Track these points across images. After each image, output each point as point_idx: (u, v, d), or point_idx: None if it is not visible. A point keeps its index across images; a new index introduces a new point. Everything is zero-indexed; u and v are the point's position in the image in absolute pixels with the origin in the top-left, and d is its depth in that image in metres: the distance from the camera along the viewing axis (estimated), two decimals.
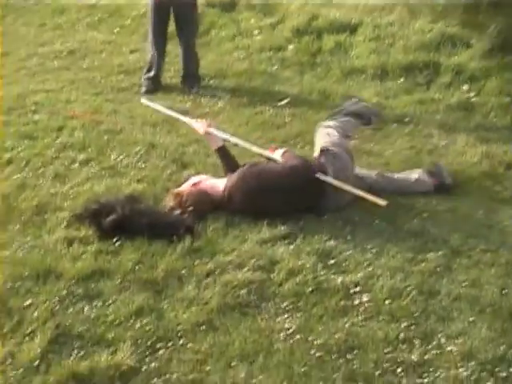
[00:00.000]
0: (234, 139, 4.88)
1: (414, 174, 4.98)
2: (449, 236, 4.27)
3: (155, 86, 6.78)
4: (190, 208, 4.36)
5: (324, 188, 4.54)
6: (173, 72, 7.31)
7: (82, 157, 5.28)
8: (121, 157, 5.25)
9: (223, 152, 4.78)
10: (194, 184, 4.56)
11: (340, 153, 4.73)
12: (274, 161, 4.70)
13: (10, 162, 5.25)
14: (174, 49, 7.36)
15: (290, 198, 4.48)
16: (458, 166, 5.33)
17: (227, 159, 4.76)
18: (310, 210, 4.51)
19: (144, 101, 5.62)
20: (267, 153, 4.80)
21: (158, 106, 5.44)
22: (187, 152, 5.39)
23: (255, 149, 4.86)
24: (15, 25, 9.32)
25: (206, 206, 4.45)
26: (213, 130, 4.82)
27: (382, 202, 4.42)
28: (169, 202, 4.47)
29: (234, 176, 4.52)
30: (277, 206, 4.47)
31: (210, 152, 5.15)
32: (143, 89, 6.77)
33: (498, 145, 5.68)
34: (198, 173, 4.86)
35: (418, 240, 4.25)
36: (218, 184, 4.57)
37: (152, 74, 6.83)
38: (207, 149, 5.22)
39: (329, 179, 4.51)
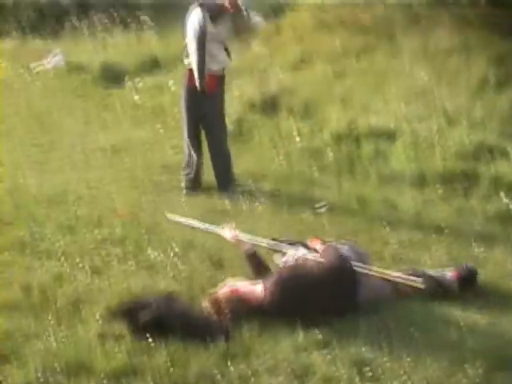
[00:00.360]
0: (261, 240, 4.93)
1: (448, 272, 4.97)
2: (487, 350, 4.18)
3: (194, 185, 6.87)
4: (227, 314, 4.34)
5: (358, 280, 4.52)
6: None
7: (119, 252, 5.33)
8: (158, 253, 5.28)
9: (254, 257, 4.80)
10: (232, 290, 4.52)
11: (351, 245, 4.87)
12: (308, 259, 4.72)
13: (48, 252, 5.32)
14: None
15: (327, 295, 4.44)
16: (497, 278, 5.26)
17: (258, 264, 4.77)
18: (345, 306, 4.48)
19: (170, 216, 5.69)
20: (299, 251, 4.81)
21: (182, 219, 5.51)
22: (225, 252, 5.39)
23: (285, 249, 4.90)
24: (62, 118, 9.58)
25: (243, 312, 4.41)
26: (240, 235, 4.88)
27: (420, 285, 4.36)
28: (206, 305, 4.45)
29: (273, 277, 4.51)
30: (314, 304, 4.42)
31: None
32: (183, 187, 6.86)
33: None
34: (234, 275, 4.84)
35: (456, 351, 4.16)
36: (256, 289, 4.53)
37: (190, 173, 6.93)
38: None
39: (366, 268, 4.49)
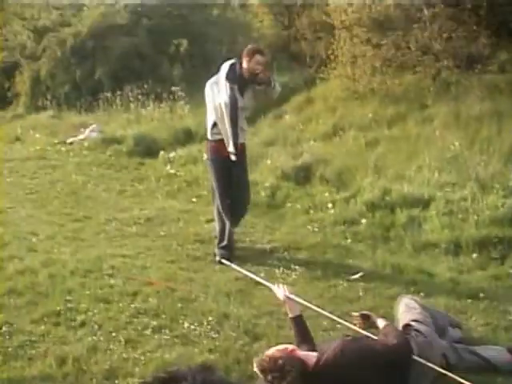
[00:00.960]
0: (315, 307, 4.90)
1: (493, 351, 4.86)
2: None
3: (229, 254, 6.89)
4: (288, 371, 4.10)
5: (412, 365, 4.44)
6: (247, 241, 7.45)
7: (154, 323, 5.31)
8: (193, 325, 5.27)
9: (300, 320, 4.76)
10: (290, 350, 4.42)
11: (424, 330, 4.64)
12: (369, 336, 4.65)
13: (83, 324, 5.32)
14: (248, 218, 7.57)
15: (384, 375, 4.29)
16: None
17: (302, 329, 4.73)
18: None
19: (224, 261, 5.74)
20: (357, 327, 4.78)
21: (236, 266, 5.56)
22: (260, 323, 5.37)
23: (344, 322, 4.86)
24: (96, 190, 9.72)
25: (297, 374, 4.20)
26: (293, 297, 4.84)
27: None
28: (260, 365, 4.21)
29: (333, 347, 4.41)
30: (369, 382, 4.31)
31: (283, 324, 5.15)
32: (217, 258, 6.87)
33: None
34: (270, 347, 4.80)
35: None
36: (310, 354, 4.41)
37: (225, 243, 6.96)
38: (280, 321, 5.24)
39: (424, 361, 4.41)
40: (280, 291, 4.90)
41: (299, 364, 4.18)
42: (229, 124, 6.65)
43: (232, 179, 6.90)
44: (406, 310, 4.91)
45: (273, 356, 4.17)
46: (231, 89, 6.65)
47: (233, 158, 6.70)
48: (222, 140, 6.76)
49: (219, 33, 16.45)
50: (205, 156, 8.13)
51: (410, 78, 11.62)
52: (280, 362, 4.11)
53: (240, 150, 6.81)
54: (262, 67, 6.69)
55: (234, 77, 6.69)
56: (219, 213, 7.03)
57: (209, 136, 6.92)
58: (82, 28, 16.57)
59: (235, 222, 7.09)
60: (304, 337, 4.68)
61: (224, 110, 6.64)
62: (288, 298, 4.83)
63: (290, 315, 4.82)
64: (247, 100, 6.83)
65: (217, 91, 6.74)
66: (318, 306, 5.05)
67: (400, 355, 4.40)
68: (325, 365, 4.26)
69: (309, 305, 4.90)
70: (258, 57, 6.70)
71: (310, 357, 4.34)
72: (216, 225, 7.15)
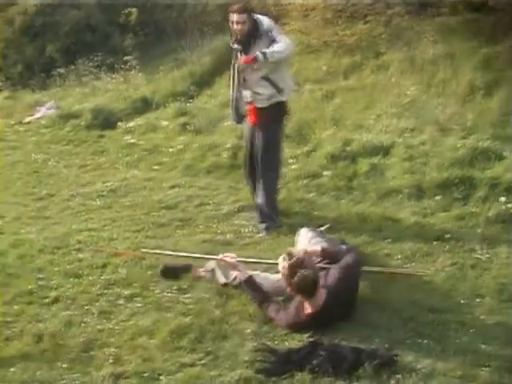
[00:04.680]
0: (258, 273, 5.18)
1: None
2: (500, 351, 4.20)
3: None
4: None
5: None
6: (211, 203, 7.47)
7: (126, 293, 5.34)
8: (165, 291, 5.31)
9: (253, 280, 4.99)
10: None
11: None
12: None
13: (56, 300, 5.33)
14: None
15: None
16: (503, 279, 5.32)
17: (258, 288, 4.95)
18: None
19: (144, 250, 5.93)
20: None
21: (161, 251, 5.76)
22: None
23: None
24: (57, 167, 9.63)
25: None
26: (238, 264, 5.10)
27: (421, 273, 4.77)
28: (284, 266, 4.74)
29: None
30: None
31: None
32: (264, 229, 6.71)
33: None
34: (243, 303, 4.90)
35: (469, 357, 4.19)
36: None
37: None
38: None
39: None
40: (227, 259, 5.09)
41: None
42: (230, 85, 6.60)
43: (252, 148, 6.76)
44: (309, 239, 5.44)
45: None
46: (232, 49, 6.55)
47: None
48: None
49: None
50: None
51: (362, 27, 11.60)
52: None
53: (255, 114, 6.62)
54: (239, 27, 6.33)
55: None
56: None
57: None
58: (29, 5, 16.26)
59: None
60: (264, 295, 4.90)
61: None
62: (238, 262, 5.07)
63: (243, 278, 4.98)
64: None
65: None
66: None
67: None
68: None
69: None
70: (233, 16, 6.37)
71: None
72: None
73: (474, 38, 10.40)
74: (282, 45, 6.30)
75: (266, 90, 6.49)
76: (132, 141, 10.14)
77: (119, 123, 10.98)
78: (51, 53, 15.61)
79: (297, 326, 4.69)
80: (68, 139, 10.95)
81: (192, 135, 9.77)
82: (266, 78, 6.46)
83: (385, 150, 7.95)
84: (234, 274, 5.17)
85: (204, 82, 12.27)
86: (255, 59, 6.26)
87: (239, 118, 6.74)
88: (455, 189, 7.02)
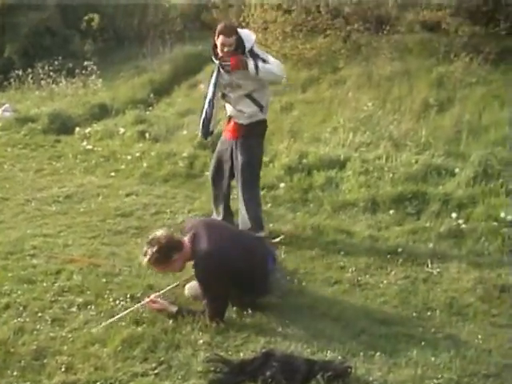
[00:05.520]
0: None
1: None
2: (450, 363, 4.29)
3: None
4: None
5: None
6: (168, 212, 7.46)
7: (80, 300, 5.28)
8: (119, 300, 5.26)
9: (183, 308, 5.07)
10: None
11: None
12: None
13: (7, 306, 5.22)
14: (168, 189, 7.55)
15: None
16: (453, 293, 5.45)
17: (189, 311, 5.03)
18: None
19: None
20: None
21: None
22: (183, 292, 5.43)
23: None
24: (13, 170, 9.53)
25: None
26: (160, 300, 5.14)
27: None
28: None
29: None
30: None
31: None
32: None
33: (491, 269, 5.87)
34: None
35: (419, 369, 4.27)
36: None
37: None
38: None
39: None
40: (153, 305, 5.11)
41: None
42: (206, 101, 6.48)
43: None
44: None
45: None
46: (217, 66, 6.35)
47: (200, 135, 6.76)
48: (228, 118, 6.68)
49: (129, 5, 16.24)
50: None
51: (322, 41, 11.76)
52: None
53: (236, 129, 6.55)
54: (226, 49, 6.15)
55: (216, 54, 6.34)
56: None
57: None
58: None
59: None
60: (198, 310, 5.01)
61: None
62: (159, 304, 5.10)
63: (173, 312, 5.03)
64: (239, 77, 6.28)
65: None
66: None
67: None
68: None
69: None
70: (221, 38, 6.16)
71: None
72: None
73: (429, 56, 10.64)
74: (275, 67, 6.17)
75: (248, 109, 6.40)
76: (89, 147, 10.09)
77: (77, 128, 10.93)
78: (9, 54, 15.47)
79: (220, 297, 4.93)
80: (24, 143, 10.84)
81: (150, 143, 9.77)
82: (248, 96, 6.37)
83: (341, 164, 8.06)
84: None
85: (163, 90, 12.32)
86: (246, 64, 6.09)
87: (208, 134, 6.71)
88: (408, 203, 7.16)
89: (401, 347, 4.65)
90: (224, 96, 6.52)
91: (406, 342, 4.74)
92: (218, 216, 6.84)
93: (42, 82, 13.72)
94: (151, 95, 11.84)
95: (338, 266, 6.01)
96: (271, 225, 6.89)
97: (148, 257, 4.93)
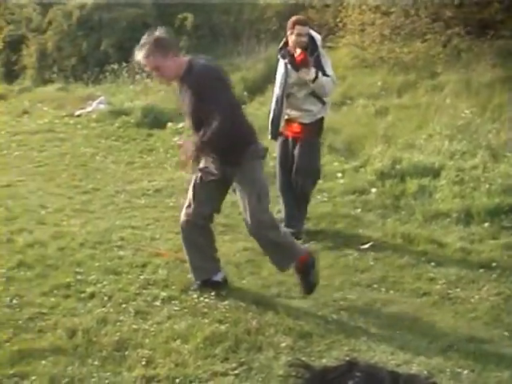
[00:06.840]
0: None
1: None
2: None
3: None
4: None
5: None
6: None
7: (164, 294, 5.30)
8: (203, 296, 5.24)
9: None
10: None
11: None
12: None
13: (92, 295, 5.31)
14: None
15: None
16: None
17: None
18: None
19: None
20: None
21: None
22: (269, 294, 5.36)
23: None
24: (105, 162, 9.69)
25: None
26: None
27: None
28: None
29: None
30: None
31: (291, 295, 5.24)
32: None
33: None
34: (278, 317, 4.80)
35: None
36: None
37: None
38: (289, 291, 5.29)
39: None
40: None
41: None
42: (273, 100, 6.57)
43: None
44: None
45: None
46: (285, 64, 6.48)
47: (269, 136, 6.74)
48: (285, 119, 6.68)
49: (226, 3, 16.31)
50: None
51: (420, 45, 11.48)
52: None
53: (301, 129, 6.62)
54: (302, 39, 6.31)
55: (285, 52, 6.51)
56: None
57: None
58: (88, 0, 16.47)
59: None
60: None
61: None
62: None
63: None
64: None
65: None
66: None
67: None
68: None
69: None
70: (297, 28, 6.34)
71: None
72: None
73: None
74: (329, 84, 6.42)
75: (314, 107, 6.53)
76: (181, 142, 10.13)
77: (169, 123, 11.03)
78: (106, 48, 15.77)
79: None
80: (117, 135, 11.04)
81: None
82: (313, 93, 6.46)
83: (435, 172, 7.82)
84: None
85: (256, 88, 12.27)
86: (310, 64, 6.25)
87: (277, 134, 6.73)
88: (504, 216, 6.86)
89: (490, 367, 4.42)
90: (289, 96, 6.53)
91: (497, 362, 4.50)
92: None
93: (137, 77, 13.91)
94: (245, 93, 11.82)
95: (428, 277, 5.80)
96: (360, 230, 6.74)
97: (145, 51, 5.09)
